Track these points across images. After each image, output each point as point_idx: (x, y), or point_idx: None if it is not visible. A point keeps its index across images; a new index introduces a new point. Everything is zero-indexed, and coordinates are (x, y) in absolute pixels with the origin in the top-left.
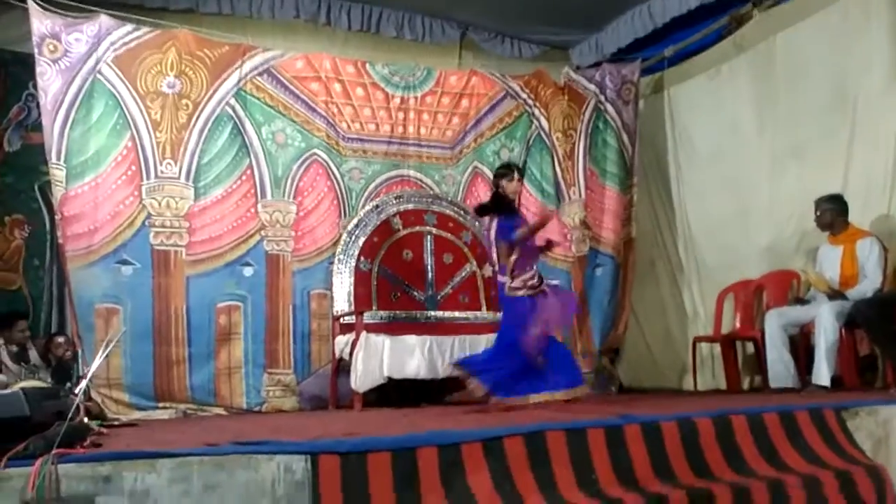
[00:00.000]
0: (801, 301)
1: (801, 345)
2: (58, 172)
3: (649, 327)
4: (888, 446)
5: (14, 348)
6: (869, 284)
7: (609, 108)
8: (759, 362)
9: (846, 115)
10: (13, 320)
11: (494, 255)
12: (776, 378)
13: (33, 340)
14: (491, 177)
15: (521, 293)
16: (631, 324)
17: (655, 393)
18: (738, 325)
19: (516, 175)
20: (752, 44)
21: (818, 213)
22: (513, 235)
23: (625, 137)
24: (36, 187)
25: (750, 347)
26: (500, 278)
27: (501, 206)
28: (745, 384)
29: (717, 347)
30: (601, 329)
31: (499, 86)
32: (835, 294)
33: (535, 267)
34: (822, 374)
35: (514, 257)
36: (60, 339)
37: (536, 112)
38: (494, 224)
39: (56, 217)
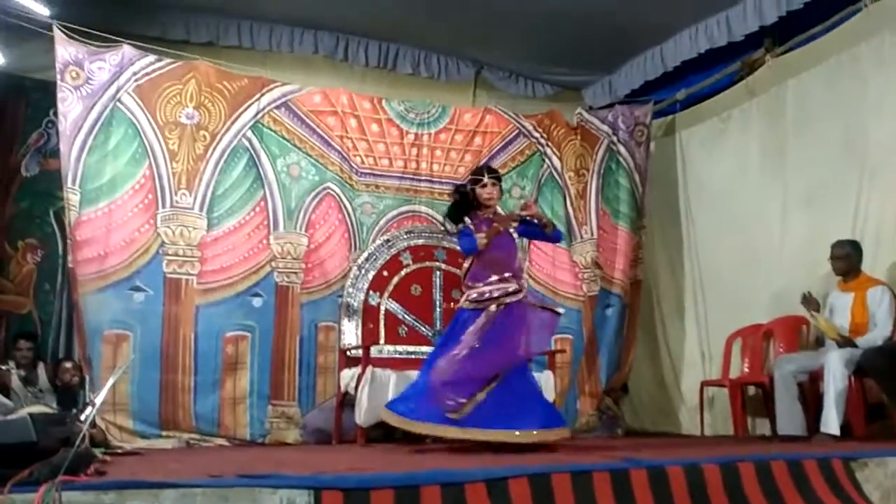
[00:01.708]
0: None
1: (809, 392)
2: (72, 197)
3: (651, 370)
4: None
5: (22, 372)
6: (879, 333)
7: (622, 149)
8: (766, 408)
9: (857, 161)
10: (15, 339)
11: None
12: (784, 425)
13: (44, 364)
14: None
15: (465, 305)
16: (634, 366)
17: (661, 437)
18: (746, 369)
19: (486, 179)
20: (764, 89)
21: (838, 257)
22: (474, 245)
23: (636, 178)
24: (51, 212)
25: (752, 391)
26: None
27: (460, 212)
28: (750, 429)
29: (719, 391)
30: (607, 370)
31: (512, 124)
32: (844, 342)
33: (494, 277)
34: (831, 422)
35: (466, 264)
36: (68, 365)
37: (549, 151)
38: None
39: (69, 241)
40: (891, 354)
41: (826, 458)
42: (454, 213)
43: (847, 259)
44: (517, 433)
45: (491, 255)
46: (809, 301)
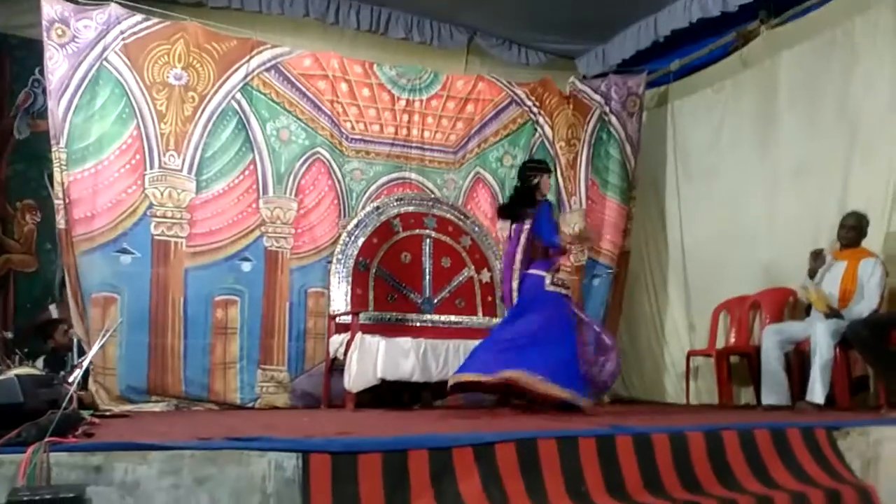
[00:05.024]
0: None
1: (795, 362)
2: (61, 156)
3: (638, 339)
4: (877, 467)
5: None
6: (866, 305)
7: (613, 119)
8: (751, 377)
9: (848, 135)
10: None
11: (522, 252)
12: (769, 394)
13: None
14: (493, 183)
15: (561, 291)
16: (620, 335)
17: (647, 405)
18: (732, 339)
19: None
20: (758, 60)
21: (850, 226)
22: (556, 239)
23: (628, 149)
24: (45, 175)
25: (737, 361)
26: (536, 272)
27: (534, 202)
28: (735, 399)
29: (704, 361)
30: None
31: (504, 92)
32: (832, 313)
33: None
34: (817, 391)
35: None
36: (65, 326)
37: (541, 120)
38: (532, 220)
39: (59, 202)
40: (875, 327)
41: (809, 426)
42: (524, 199)
43: (857, 229)
44: None
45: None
46: (818, 257)
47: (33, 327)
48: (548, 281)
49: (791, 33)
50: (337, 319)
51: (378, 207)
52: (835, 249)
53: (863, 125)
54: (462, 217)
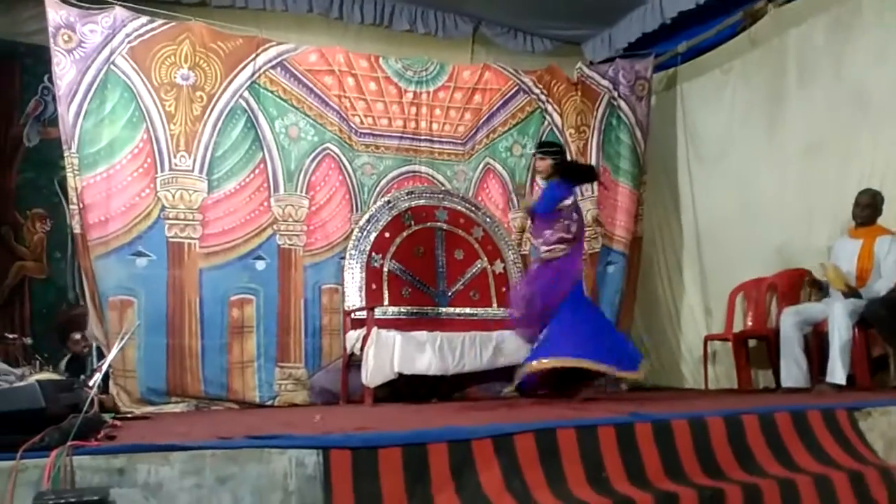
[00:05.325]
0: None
1: (813, 343)
2: (74, 161)
3: (654, 325)
4: None
5: (29, 340)
6: (884, 283)
7: (622, 104)
8: (769, 360)
9: (859, 112)
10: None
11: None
12: (789, 377)
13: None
14: (503, 172)
15: None
16: (636, 322)
17: (665, 391)
18: (749, 322)
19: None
20: (766, 39)
21: (864, 205)
22: None
23: (638, 134)
24: (56, 182)
25: (754, 344)
26: None
27: None
28: (754, 382)
29: (722, 345)
30: None
31: (512, 81)
32: (850, 292)
33: None
34: (837, 372)
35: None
36: (77, 336)
37: (549, 108)
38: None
39: (74, 207)
40: (893, 305)
41: (830, 408)
42: None
43: (873, 207)
44: None
45: None
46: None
47: (58, 325)
48: None
49: (798, 11)
50: (352, 315)
51: (389, 202)
52: (850, 227)
53: (872, 100)
54: (473, 209)
